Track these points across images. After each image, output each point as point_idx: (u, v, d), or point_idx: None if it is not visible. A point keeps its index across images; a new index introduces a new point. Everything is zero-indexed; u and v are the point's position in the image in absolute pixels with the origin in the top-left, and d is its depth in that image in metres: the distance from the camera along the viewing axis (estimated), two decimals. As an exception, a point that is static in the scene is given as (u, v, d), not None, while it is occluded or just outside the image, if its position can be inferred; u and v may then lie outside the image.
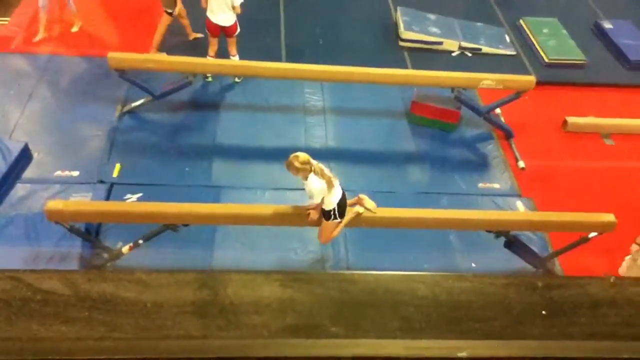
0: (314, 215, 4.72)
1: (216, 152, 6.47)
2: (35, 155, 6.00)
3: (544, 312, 2.08)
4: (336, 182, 4.56)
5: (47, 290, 2.14)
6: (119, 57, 6.26)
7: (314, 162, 4.48)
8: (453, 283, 2.22)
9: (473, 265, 5.47)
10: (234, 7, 6.72)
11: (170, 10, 7.25)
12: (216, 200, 5.79)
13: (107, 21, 8.08)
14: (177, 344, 1.94)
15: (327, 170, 4.55)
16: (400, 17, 8.67)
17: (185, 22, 7.71)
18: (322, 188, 4.47)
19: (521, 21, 9.18)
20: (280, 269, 5.14)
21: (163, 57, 7.07)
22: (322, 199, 4.57)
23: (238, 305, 2.20)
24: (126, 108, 6.74)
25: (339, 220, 4.71)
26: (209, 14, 6.80)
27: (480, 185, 6.42)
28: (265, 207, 5.02)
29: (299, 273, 3.10)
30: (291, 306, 2.15)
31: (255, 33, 8.09)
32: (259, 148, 6.61)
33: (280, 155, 6.53)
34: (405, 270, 5.17)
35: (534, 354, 1.92)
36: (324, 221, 4.73)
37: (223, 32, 6.96)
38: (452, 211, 5.27)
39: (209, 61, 7.01)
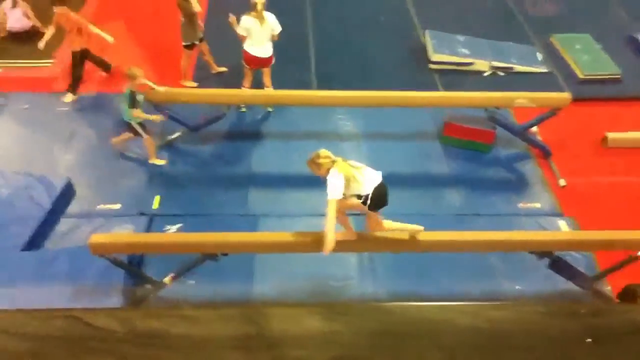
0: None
1: (252, 180, 6.55)
2: (78, 190, 6.19)
3: (588, 340, 2.02)
4: (366, 174, 4.39)
5: (103, 328, 2.21)
6: (155, 91, 6.44)
7: (337, 158, 4.37)
8: (492, 312, 2.19)
9: (517, 287, 5.34)
10: (274, 36, 6.86)
11: (185, 43, 7.46)
12: (253, 228, 5.83)
13: (142, 58, 8.34)
14: (224, 379, 1.96)
15: (356, 163, 4.40)
16: (429, 40, 8.70)
17: (208, 58, 7.91)
18: (340, 184, 4.29)
19: (552, 38, 9.09)
20: (320, 300, 5.11)
21: (197, 90, 7.26)
22: (347, 195, 4.35)
23: (282, 339, 2.22)
24: (163, 141, 6.90)
25: (366, 209, 4.45)
26: (247, 47, 6.91)
27: (520, 205, 6.31)
28: (302, 234, 5.02)
29: (339, 305, 3.09)
30: (333, 339, 2.16)
31: (286, 63, 8.20)
32: (294, 175, 6.65)
33: (315, 182, 6.58)
34: (445, 296, 5.12)
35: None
36: (367, 211, 4.51)
37: (260, 65, 7.08)
38: (493, 233, 5.17)
39: (243, 92, 7.15)
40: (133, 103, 6.07)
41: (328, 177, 4.36)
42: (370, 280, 5.42)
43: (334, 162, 4.36)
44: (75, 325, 2.31)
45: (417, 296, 5.14)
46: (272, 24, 6.80)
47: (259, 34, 6.78)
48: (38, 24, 8.34)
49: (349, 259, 5.60)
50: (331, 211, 4.36)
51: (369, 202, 4.42)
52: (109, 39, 7.43)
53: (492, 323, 1.95)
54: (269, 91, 7.23)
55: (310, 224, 5.90)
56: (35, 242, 5.52)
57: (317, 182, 6.67)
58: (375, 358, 1.90)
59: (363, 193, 4.41)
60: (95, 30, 7.31)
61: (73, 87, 7.52)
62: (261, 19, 6.69)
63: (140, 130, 6.35)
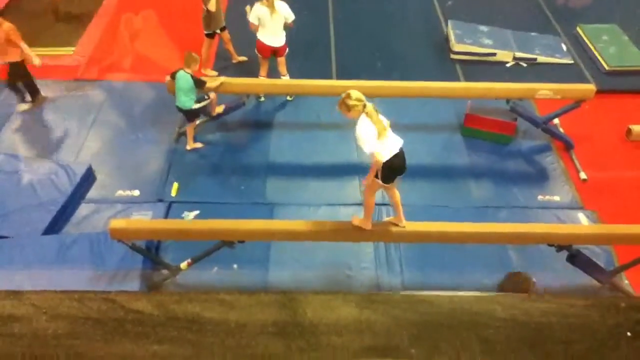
0: (369, 179, 4.24)
1: (270, 169, 6.56)
2: (98, 176, 6.28)
3: (629, 333, 1.97)
4: (389, 136, 4.14)
5: (139, 311, 2.25)
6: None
7: (369, 103, 4.13)
8: (531, 304, 2.15)
9: (534, 280, 5.26)
10: (286, 24, 6.85)
11: (206, 32, 7.50)
12: (270, 216, 5.86)
13: (163, 47, 8.39)
14: (262, 364, 1.98)
15: (383, 119, 4.15)
16: (452, 30, 8.59)
17: (229, 47, 7.93)
18: (372, 134, 4.06)
19: (578, 29, 8.90)
20: (336, 287, 5.10)
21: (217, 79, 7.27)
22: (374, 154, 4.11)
23: (317, 326, 2.24)
24: (182, 129, 6.94)
25: (380, 182, 4.24)
26: (260, 36, 6.94)
27: (540, 197, 6.21)
28: (319, 223, 5.02)
29: (375, 294, 3.10)
30: (369, 327, 2.16)
31: (306, 52, 8.21)
32: (312, 165, 6.65)
33: (333, 171, 6.61)
34: (462, 287, 5.08)
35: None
36: (368, 177, 4.31)
37: (273, 54, 7.09)
38: (512, 225, 5.12)
39: (263, 81, 7.16)
40: (199, 83, 6.16)
41: (358, 124, 4.10)
42: (386, 270, 5.40)
43: (365, 106, 4.10)
44: (111, 308, 2.38)
45: (434, 287, 5.11)
46: (283, 13, 6.80)
47: (270, 23, 6.80)
48: None
49: (365, 248, 5.58)
50: (375, 165, 4.09)
51: (379, 173, 4.19)
52: (37, 61, 6.92)
53: (531, 316, 1.93)
54: (287, 80, 7.22)
55: (327, 213, 5.93)
56: (56, 226, 5.61)
57: (335, 173, 6.69)
58: (412, 348, 1.90)
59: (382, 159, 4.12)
60: (24, 46, 6.84)
61: (33, 96, 7.25)
62: (272, 8, 6.70)
63: (201, 111, 6.42)
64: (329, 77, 7.90)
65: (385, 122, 4.22)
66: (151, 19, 9.01)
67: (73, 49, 8.23)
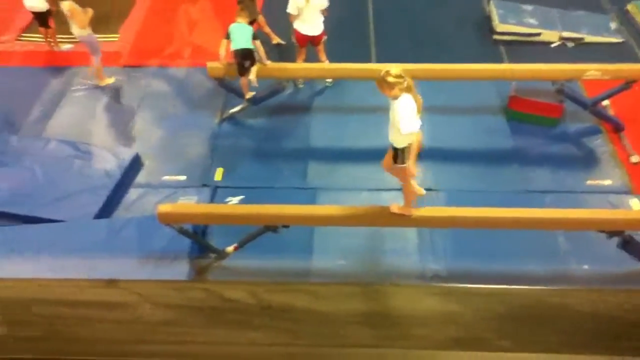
0: (412, 169, 4.08)
1: (311, 154, 6.58)
2: (145, 161, 6.43)
3: None
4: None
5: (234, 299, 2.36)
6: (217, 66, 6.54)
7: (409, 79, 3.92)
8: (609, 298, 2.13)
9: (585, 267, 5.17)
10: (322, 11, 6.82)
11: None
12: (312, 201, 5.89)
13: (205, 32, 8.46)
14: (354, 352, 2.04)
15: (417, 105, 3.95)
16: (495, 10, 8.38)
17: (266, 29, 7.97)
18: (414, 113, 3.88)
19: (629, 6, 8.55)
20: (380, 276, 5.11)
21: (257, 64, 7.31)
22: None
23: (404, 317, 2.29)
24: (225, 114, 7.03)
25: (404, 165, 4.09)
26: (297, 25, 6.93)
27: (589, 182, 6.06)
28: (361, 208, 5.03)
29: (457, 287, 3.12)
30: (454, 319, 2.20)
31: (344, 34, 8.15)
32: (352, 149, 6.65)
33: (373, 155, 6.52)
34: (508, 273, 5.03)
35: None
36: (393, 166, 4.16)
37: (310, 42, 7.08)
38: (560, 210, 5.01)
39: (302, 65, 7.15)
40: (256, 35, 6.30)
41: (400, 101, 3.91)
42: (430, 257, 5.38)
43: (406, 82, 3.91)
44: (208, 297, 2.51)
45: (479, 275, 5.07)
46: (317, 2, 6.72)
47: (306, 11, 6.77)
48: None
49: (407, 233, 5.57)
50: (416, 144, 3.97)
51: (399, 157, 4.05)
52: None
53: (611, 310, 1.90)
54: (327, 65, 7.18)
55: (369, 197, 5.93)
56: (106, 210, 5.79)
57: (375, 156, 6.67)
58: (496, 341, 1.92)
59: (400, 145, 4.02)
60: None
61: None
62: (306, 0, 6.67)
63: (259, 55, 6.43)
64: (368, 60, 7.84)
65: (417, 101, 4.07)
66: (193, 4, 9.08)
67: (118, 36, 8.39)
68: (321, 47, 7.17)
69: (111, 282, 4.30)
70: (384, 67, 6.67)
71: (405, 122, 3.91)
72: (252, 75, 6.37)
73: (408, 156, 4.10)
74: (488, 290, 2.56)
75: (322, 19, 6.89)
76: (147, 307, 3.60)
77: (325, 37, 7.10)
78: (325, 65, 7.18)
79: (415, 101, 3.99)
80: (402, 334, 2.11)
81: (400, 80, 3.93)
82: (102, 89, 7.48)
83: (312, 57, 7.29)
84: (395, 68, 4.01)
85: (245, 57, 6.29)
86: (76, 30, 7.07)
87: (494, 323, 2.11)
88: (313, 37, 6.99)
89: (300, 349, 2.12)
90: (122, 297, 3.98)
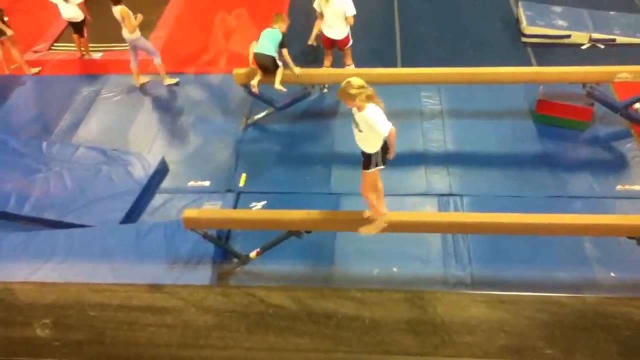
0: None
1: (335, 159, 6.57)
2: (170, 166, 6.52)
3: None
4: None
5: (278, 305, 2.38)
6: (242, 72, 6.59)
7: (370, 88, 4.03)
8: None
9: (612, 275, 5.02)
10: (346, 19, 6.79)
11: None
12: (336, 207, 5.87)
13: (232, 39, 8.55)
14: (399, 360, 2.03)
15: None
16: (523, 11, 8.26)
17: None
18: (383, 115, 4.00)
19: (662, 6, 8.33)
20: (405, 282, 5.06)
21: (281, 70, 7.33)
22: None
23: (449, 325, 2.26)
24: (250, 120, 7.07)
25: (381, 167, 4.24)
26: (322, 27, 6.95)
27: (619, 187, 5.90)
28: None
29: (503, 295, 3.07)
30: (501, 327, 2.16)
31: (370, 36, 8.13)
32: (377, 154, 6.59)
33: (397, 161, 6.47)
34: (533, 280, 4.90)
35: None
36: (363, 171, 4.29)
37: (335, 45, 7.07)
38: (588, 216, 4.89)
39: (326, 71, 7.14)
40: (283, 43, 6.28)
41: (368, 112, 4.03)
42: (455, 263, 5.28)
43: (367, 93, 4.02)
44: (252, 302, 2.54)
45: (505, 282, 4.96)
46: (336, 7, 6.67)
47: (327, 14, 6.78)
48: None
49: (432, 239, 5.50)
50: (393, 140, 4.15)
51: (373, 163, 4.21)
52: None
53: None
54: (351, 70, 7.17)
55: (392, 203, 5.86)
56: (132, 215, 5.88)
57: (399, 162, 6.61)
58: (547, 349, 1.88)
59: (371, 150, 4.16)
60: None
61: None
62: (325, 0, 6.66)
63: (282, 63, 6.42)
64: (393, 63, 7.81)
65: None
66: (219, 11, 9.18)
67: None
68: (347, 51, 7.16)
69: (155, 287, 4.41)
70: (408, 71, 6.73)
71: (382, 124, 4.06)
72: (276, 84, 6.37)
73: (380, 160, 4.27)
74: (534, 298, 2.51)
75: (345, 24, 6.85)
76: (192, 312, 3.67)
77: (350, 42, 7.08)
78: (349, 70, 7.16)
79: (379, 104, 4.12)
80: (448, 342, 2.09)
81: (362, 90, 4.02)
82: (129, 95, 7.61)
83: (339, 61, 7.28)
84: (356, 79, 4.08)
85: (261, 63, 6.32)
86: (126, 34, 7.25)
87: (543, 331, 2.06)
88: (335, 40, 6.99)
89: (344, 356, 2.12)
90: (167, 301, 4.08)
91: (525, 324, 1.96)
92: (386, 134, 4.10)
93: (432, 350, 1.98)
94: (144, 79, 7.78)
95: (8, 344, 4.00)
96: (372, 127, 4.07)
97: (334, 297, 2.33)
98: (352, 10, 6.73)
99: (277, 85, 6.38)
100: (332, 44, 7.08)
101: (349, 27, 6.90)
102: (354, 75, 6.85)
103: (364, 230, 4.68)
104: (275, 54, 6.28)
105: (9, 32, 7.66)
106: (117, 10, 7.08)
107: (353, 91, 4.00)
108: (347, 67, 7.26)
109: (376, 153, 4.25)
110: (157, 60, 7.55)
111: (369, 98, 4.03)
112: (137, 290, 4.23)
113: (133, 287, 4.50)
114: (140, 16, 7.19)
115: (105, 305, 4.04)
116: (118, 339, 3.59)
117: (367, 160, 4.30)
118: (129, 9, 7.13)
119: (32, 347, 3.91)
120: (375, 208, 4.63)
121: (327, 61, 7.28)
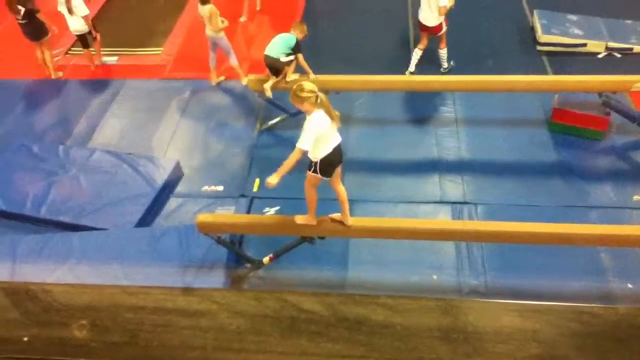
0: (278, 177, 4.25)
1: (348, 165, 6.50)
2: (185, 171, 6.55)
3: None
4: (335, 129, 4.08)
5: (310, 310, 2.38)
6: (257, 79, 6.62)
7: (322, 94, 4.04)
8: None
9: (629, 286, 4.96)
10: (439, 9, 7.00)
11: None
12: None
13: (246, 46, 8.60)
14: (431, 367, 2.02)
15: (333, 118, 4.09)
16: (538, 20, 8.22)
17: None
18: (323, 131, 4.02)
19: (680, 14, 8.25)
20: (419, 289, 5.05)
21: (296, 76, 7.36)
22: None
23: (481, 333, 2.25)
24: (264, 126, 7.10)
25: (319, 176, 4.27)
26: (419, 12, 7.28)
27: (636, 197, 5.84)
28: (398, 220, 4.99)
29: (536, 304, 3.05)
30: (533, 336, 2.15)
31: (384, 43, 8.13)
32: (390, 161, 6.61)
33: (411, 168, 6.52)
34: (548, 290, 4.85)
35: None
36: (307, 171, 4.33)
37: (427, 31, 7.32)
38: (605, 226, 4.84)
39: (339, 77, 7.11)
40: (297, 48, 6.33)
41: (311, 118, 4.04)
42: (468, 271, 5.25)
43: (318, 98, 4.02)
44: (284, 307, 2.55)
45: (519, 291, 4.92)
46: None
47: (422, 2, 7.11)
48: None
49: (445, 247, 5.47)
50: (293, 160, 4.16)
51: (313, 168, 4.22)
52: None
53: None
54: (364, 77, 7.13)
55: (406, 210, 5.87)
56: (147, 219, 5.92)
57: (413, 169, 6.60)
58: (580, 359, 1.87)
59: (313, 159, 4.18)
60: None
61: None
62: None
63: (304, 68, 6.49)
64: (407, 67, 7.79)
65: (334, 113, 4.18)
66: (234, 17, 9.23)
67: (161, 49, 8.61)
68: (441, 38, 7.43)
69: (188, 290, 4.44)
70: (421, 79, 6.72)
71: (304, 136, 4.07)
72: (267, 84, 6.43)
73: (318, 170, 4.30)
74: (566, 308, 2.49)
75: (437, 14, 7.05)
76: (224, 316, 3.68)
77: (443, 29, 7.28)
78: (364, 77, 7.11)
79: (331, 115, 4.10)
80: (480, 350, 2.08)
81: (311, 95, 4.03)
82: (145, 100, 7.67)
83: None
84: (308, 83, 4.11)
85: (268, 63, 6.37)
86: (210, 32, 7.33)
87: (576, 341, 2.05)
88: (427, 26, 7.27)
89: (377, 362, 2.11)
90: (199, 305, 4.09)
91: (558, 333, 1.95)
92: (297, 146, 4.11)
93: (464, 359, 1.97)
94: (220, 78, 7.86)
95: (45, 344, 4.05)
96: (303, 130, 4.12)
97: (365, 303, 2.33)
98: (444, 2, 6.98)
99: (266, 85, 6.44)
100: (425, 29, 7.33)
101: (442, 16, 7.11)
102: (364, 81, 6.98)
103: (300, 220, 4.75)
104: (281, 56, 6.31)
105: (55, 29, 7.78)
106: (206, 9, 7.17)
107: (303, 94, 4.04)
108: (439, 52, 7.54)
109: (315, 163, 4.29)
110: (233, 61, 7.59)
111: (319, 105, 4.05)
112: (171, 294, 4.27)
113: (167, 289, 4.54)
114: (226, 21, 7.29)
115: (139, 308, 4.09)
116: (152, 341, 3.62)
117: (310, 164, 4.35)
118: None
119: (69, 347, 3.95)
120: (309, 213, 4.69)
121: (422, 44, 7.54)
